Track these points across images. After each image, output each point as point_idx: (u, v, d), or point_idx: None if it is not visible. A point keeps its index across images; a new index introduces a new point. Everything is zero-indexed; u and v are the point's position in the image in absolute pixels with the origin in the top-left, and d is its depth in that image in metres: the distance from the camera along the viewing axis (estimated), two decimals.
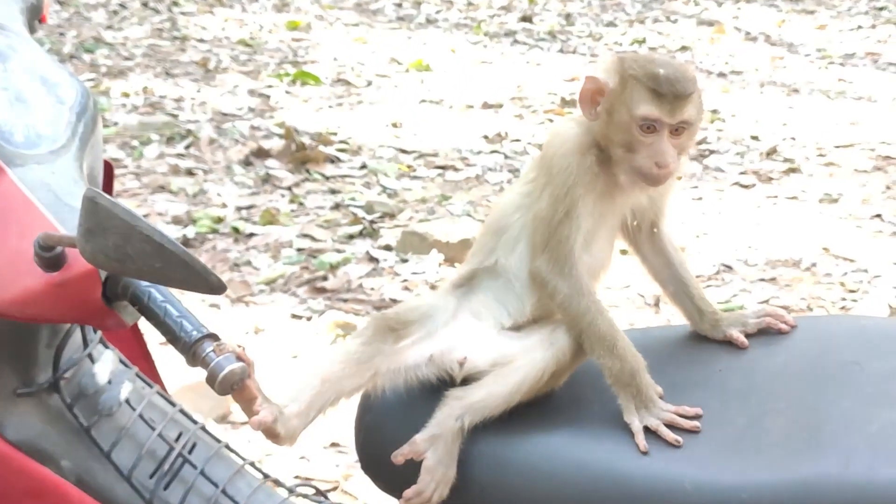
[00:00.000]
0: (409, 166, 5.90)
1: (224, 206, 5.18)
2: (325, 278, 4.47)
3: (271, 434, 1.59)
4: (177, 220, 4.97)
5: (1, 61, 1.68)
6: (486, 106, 7.09)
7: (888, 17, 10.19)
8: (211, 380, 1.46)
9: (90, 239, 1.33)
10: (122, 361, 1.83)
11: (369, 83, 7.57)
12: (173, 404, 1.86)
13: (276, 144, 5.92)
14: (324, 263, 4.57)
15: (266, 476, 1.90)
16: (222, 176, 5.57)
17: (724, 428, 1.57)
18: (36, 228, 1.47)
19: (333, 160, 5.84)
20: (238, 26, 9.01)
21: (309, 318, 4.15)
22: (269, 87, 7.27)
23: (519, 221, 1.71)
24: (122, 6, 9.25)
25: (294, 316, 4.18)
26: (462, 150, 6.18)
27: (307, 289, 4.40)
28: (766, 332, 1.76)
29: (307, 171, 5.66)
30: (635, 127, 1.63)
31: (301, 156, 5.75)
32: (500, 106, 7.10)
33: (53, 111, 1.65)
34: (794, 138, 6.47)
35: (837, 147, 6.30)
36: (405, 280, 4.47)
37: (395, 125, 6.59)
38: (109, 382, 1.76)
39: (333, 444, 3.37)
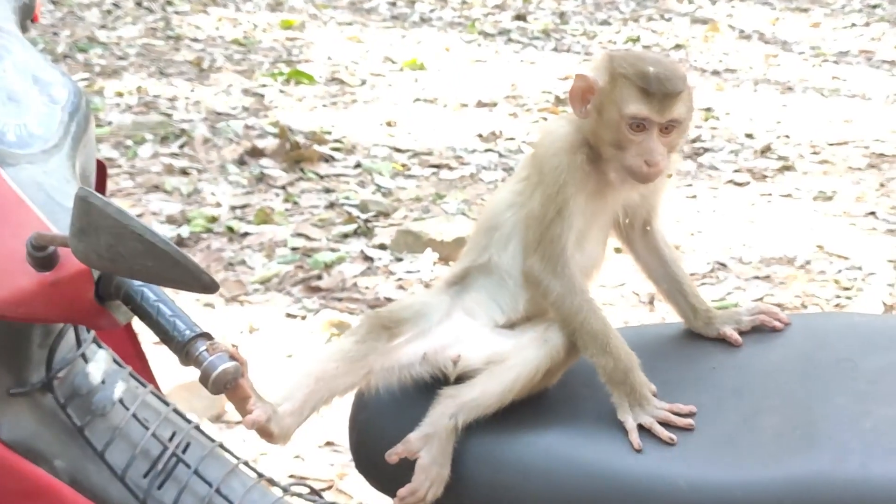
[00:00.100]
0: (403, 165, 5.90)
1: (218, 205, 5.18)
2: (319, 277, 4.47)
3: (265, 433, 1.59)
4: (171, 220, 4.97)
5: None
6: (480, 104, 7.09)
7: (882, 15, 10.21)
8: (204, 379, 1.46)
9: (82, 238, 1.33)
10: (115, 361, 1.83)
11: (363, 82, 7.56)
12: (167, 404, 1.86)
13: (270, 143, 5.92)
14: (318, 262, 4.57)
15: (260, 475, 1.90)
16: (216, 175, 5.57)
17: (718, 425, 1.57)
18: (28, 228, 1.46)
19: (328, 159, 5.84)
20: (232, 25, 9.00)
21: (303, 317, 4.15)
22: (264, 86, 7.27)
23: (511, 219, 1.71)
24: (116, 5, 9.23)
25: (289, 315, 4.18)
26: (456, 148, 6.18)
27: (302, 288, 4.40)
28: (759, 330, 1.77)
29: (301, 170, 5.66)
30: (625, 125, 1.63)
31: (295, 155, 5.74)
32: (495, 104, 7.10)
33: (46, 110, 1.65)
34: (788, 136, 6.48)
35: (831, 145, 6.31)
36: (400, 279, 4.47)
37: (389, 124, 6.59)
38: (103, 382, 1.76)
39: (328, 443, 3.37)
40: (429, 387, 1.67)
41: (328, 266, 4.55)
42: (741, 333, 1.76)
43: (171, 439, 1.80)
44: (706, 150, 6.22)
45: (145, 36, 8.45)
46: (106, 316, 1.50)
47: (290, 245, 4.76)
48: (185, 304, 4.13)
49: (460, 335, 1.70)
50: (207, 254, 4.67)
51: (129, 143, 5.94)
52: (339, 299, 4.30)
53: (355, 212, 5.11)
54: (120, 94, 6.85)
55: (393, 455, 1.63)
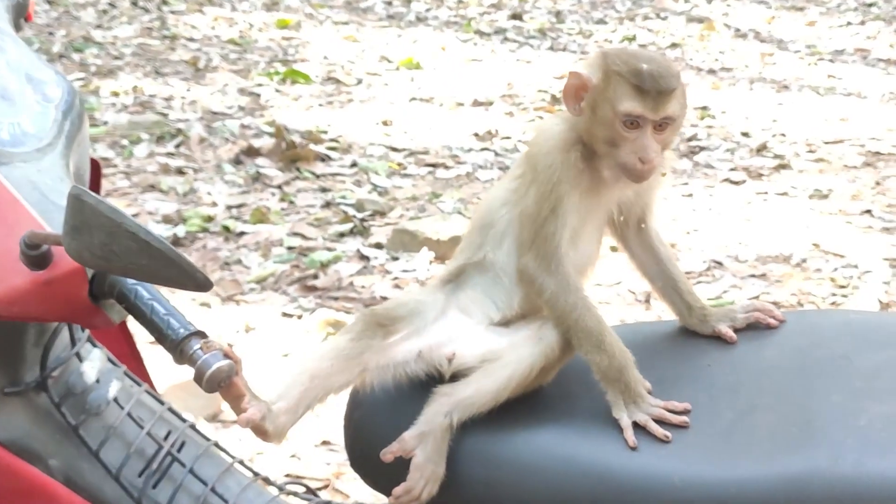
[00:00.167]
0: (399, 164, 5.89)
1: (214, 204, 5.17)
2: (315, 276, 4.47)
3: (260, 431, 1.59)
4: (167, 219, 4.96)
5: None
6: (476, 104, 7.09)
7: (877, 14, 10.22)
8: (198, 377, 1.46)
9: (76, 237, 1.33)
10: (110, 360, 1.83)
11: (359, 81, 7.56)
12: (162, 403, 1.86)
13: (266, 143, 5.91)
14: (314, 262, 4.56)
15: (256, 474, 1.89)
16: (212, 175, 5.56)
17: (712, 423, 1.57)
18: (22, 227, 1.46)
19: (324, 158, 5.83)
20: (228, 25, 9.00)
21: (300, 317, 4.15)
22: (259, 85, 7.26)
23: (505, 217, 1.71)
24: (112, 5, 9.22)
25: (285, 314, 4.18)
26: (452, 147, 6.18)
27: (298, 287, 4.40)
28: (754, 327, 1.77)
29: (297, 169, 5.65)
30: (618, 123, 1.63)
31: (291, 154, 5.74)
32: (491, 103, 7.10)
33: (39, 109, 1.64)
34: (784, 134, 6.48)
35: (827, 143, 6.31)
36: (396, 278, 4.47)
37: (385, 123, 6.58)
38: (97, 381, 1.76)
39: (325, 443, 3.37)
40: (424, 385, 1.67)
41: (324, 265, 4.55)
42: (736, 331, 1.76)
43: (165, 438, 1.80)
44: (702, 148, 6.23)
45: (141, 35, 8.44)
46: (100, 315, 1.50)
47: (286, 244, 4.75)
48: (181, 304, 4.13)
49: (455, 333, 1.70)
50: (203, 253, 4.67)
51: (125, 142, 5.93)
52: (336, 298, 4.30)
53: (351, 211, 5.11)
54: (116, 94, 6.84)
55: (388, 454, 1.63)
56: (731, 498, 1.46)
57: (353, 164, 5.81)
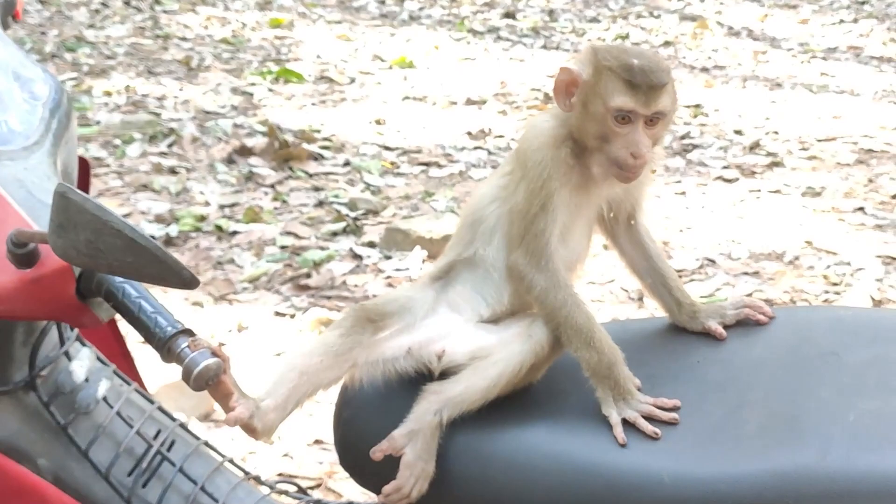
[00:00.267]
0: (392, 163, 5.89)
1: (207, 204, 5.16)
2: (308, 276, 4.46)
3: (248, 429, 1.58)
4: (160, 219, 4.95)
5: None
6: (469, 102, 7.09)
7: (870, 12, 10.23)
8: (186, 376, 1.46)
9: (61, 234, 1.33)
10: (99, 359, 1.82)
11: (352, 80, 7.55)
12: (151, 402, 1.86)
13: (259, 142, 5.90)
14: (307, 261, 4.56)
15: (246, 473, 1.89)
16: (205, 174, 5.55)
17: (702, 419, 1.57)
18: (9, 225, 1.46)
19: (317, 158, 5.83)
20: (220, 24, 8.99)
21: (292, 316, 4.14)
22: (252, 84, 7.25)
23: (495, 213, 1.71)
24: (104, 5, 9.21)
25: (277, 314, 4.17)
26: (445, 146, 6.18)
27: (291, 286, 4.39)
28: (744, 324, 1.77)
29: (290, 168, 5.64)
30: (610, 118, 1.63)
31: (284, 153, 5.73)
32: (484, 102, 7.09)
33: (27, 107, 1.64)
34: (776, 132, 6.49)
35: (820, 141, 6.32)
36: (389, 277, 4.46)
37: (378, 122, 6.58)
38: (87, 380, 1.76)
39: (317, 441, 3.37)
40: (413, 383, 1.67)
41: (317, 264, 4.55)
42: (726, 327, 1.76)
43: (155, 437, 1.79)
44: (695, 146, 6.23)
45: (133, 35, 8.43)
46: (87, 313, 1.50)
47: (279, 243, 4.75)
48: (174, 303, 4.09)
49: (445, 330, 1.69)
50: (196, 253, 4.66)
51: (118, 142, 5.92)
52: (328, 297, 4.30)
53: (344, 210, 5.10)
54: (108, 94, 6.83)
55: (377, 452, 1.63)
56: (721, 494, 1.46)
57: (346, 163, 5.81)
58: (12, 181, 1.53)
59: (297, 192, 5.36)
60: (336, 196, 5.28)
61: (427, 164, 5.90)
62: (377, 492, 1.65)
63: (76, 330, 1.78)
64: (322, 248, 4.70)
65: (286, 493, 1.97)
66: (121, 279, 1.47)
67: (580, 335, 1.62)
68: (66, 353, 1.74)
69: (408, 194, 5.41)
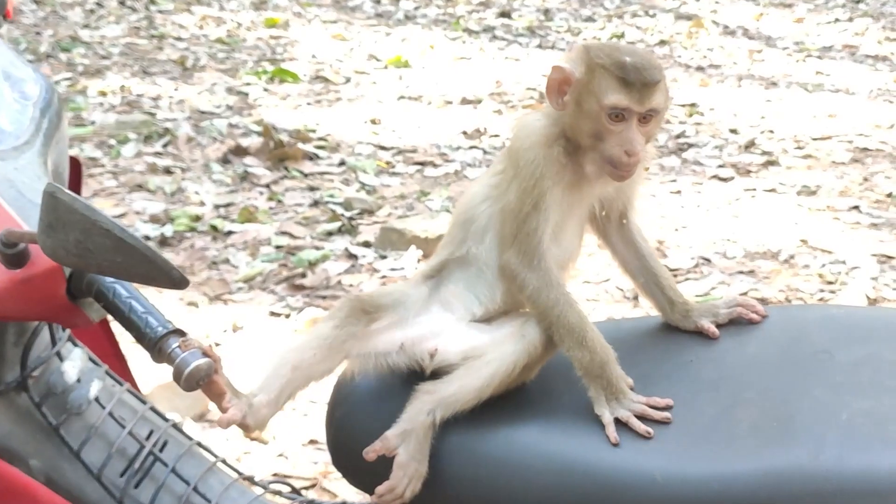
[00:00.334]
0: (387, 163, 5.88)
1: (202, 204, 5.16)
2: (303, 275, 4.46)
3: (242, 426, 1.58)
4: (154, 219, 4.95)
5: None
6: (464, 102, 7.09)
7: (865, 10, 10.24)
8: (177, 376, 1.45)
9: (51, 234, 1.32)
10: (91, 359, 1.82)
11: (348, 80, 7.55)
12: (144, 402, 1.85)
13: (254, 142, 5.90)
14: (302, 260, 4.55)
15: (239, 473, 1.88)
16: (200, 174, 5.55)
17: (694, 419, 1.57)
18: None
19: (312, 157, 5.82)
20: (216, 24, 8.98)
21: (287, 316, 4.14)
22: (248, 84, 7.25)
23: (486, 212, 1.71)
24: (99, 5, 9.20)
25: (272, 313, 4.17)
26: (441, 146, 6.17)
27: (286, 286, 4.39)
28: (737, 322, 1.77)
29: (285, 168, 5.64)
30: (604, 116, 1.62)
31: (279, 153, 5.73)
32: (479, 101, 7.09)
33: (17, 107, 1.64)
34: (772, 131, 6.49)
35: (815, 139, 6.32)
36: (384, 276, 4.46)
37: (373, 122, 6.57)
38: (79, 380, 1.75)
39: (312, 441, 3.36)
40: (405, 383, 1.67)
41: (312, 264, 4.54)
42: (718, 326, 1.76)
43: (147, 438, 1.79)
44: (690, 145, 6.23)
45: (129, 35, 8.42)
46: (78, 313, 1.49)
47: (274, 243, 4.74)
48: (169, 303, 4.09)
49: (437, 329, 1.69)
50: (191, 252, 4.66)
51: (113, 142, 5.92)
52: (324, 297, 4.29)
53: (339, 210, 5.10)
54: (103, 94, 6.82)
55: (370, 452, 1.62)
56: (713, 493, 1.46)
57: (342, 163, 5.80)
58: (2, 181, 1.52)
59: (293, 192, 5.35)
60: (331, 196, 5.27)
61: (422, 164, 5.89)
62: (370, 492, 1.65)
63: (68, 330, 1.78)
64: (317, 248, 4.70)
65: (279, 493, 1.96)
66: (111, 279, 1.46)
67: (572, 334, 1.62)
68: (58, 354, 1.74)
69: (403, 194, 5.40)
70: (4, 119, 1.61)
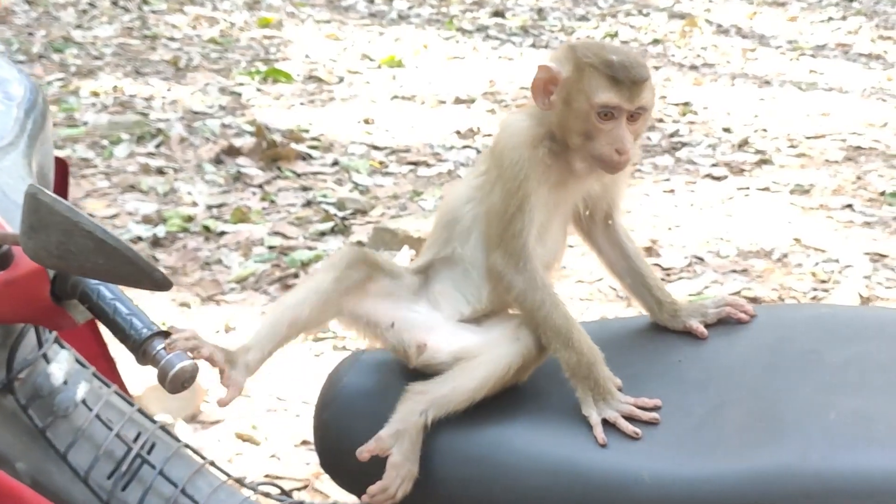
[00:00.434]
0: (380, 162, 5.88)
1: (195, 204, 5.15)
2: (296, 276, 4.45)
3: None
4: (147, 220, 4.94)
5: None
6: (458, 101, 7.08)
7: (858, 9, 10.25)
8: (161, 378, 1.45)
9: (32, 236, 1.32)
10: (78, 361, 1.81)
11: (341, 80, 7.54)
12: (131, 404, 1.84)
13: (247, 142, 5.89)
14: (295, 261, 4.55)
15: (228, 475, 1.88)
16: (193, 174, 5.54)
17: (683, 419, 1.56)
18: None
19: (305, 157, 5.81)
20: (209, 24, 8.96)
21: None
22: (241, 84, 7.24)
23: (470, 213, 1.70)
24: (92, 5, 9.18)
25: (265, 314, 4.15)
26: (434, 145, 6.17)
27: (278, 286, 4.38)
28: (725, 322, 1.76)
29: (278, 168, 5.63)
30: (594, 114, 1.62)
31: (272, 153, 5.72)
32: (473, 101, 7.09)
33: (1, 108, 1.63)
34: (765, 130, 6.49)
35: (809, 138, 6.32)
36: None
37: (366, 121, 6.57)
38: (65, 383, 1.74)
39: (304, 442, 3.36)
40: (394, 384, 1.66)
41: (305, 264, 4.53)
42: (707, 326, 1.75)
43: (135, 440, 1.78)
44: (684, 144, 6.23)
45: (121, 35, 8.41)
46: (63, 315, 1.49)
47: (267, 244, 4.74)
48: (161, 304, 4.07)
49: (430, 324, 1.68)
50: (184, 253, 4.65)
51: (105, 142, 5.90)
52: None
53: (332, 210, 5.09)
54: (96, 94, 6.81)
55: (364, 452, 1.61)
56: (701, 494, 1.46)
57: (335, 163, 5.79)
58: None
59: (285, 192, 5.35)
60: (324, 196, 5.27)
61: (415, 164, 5.89)
62: (357, 493, 1.64)
63: (55, 332, 1.77)
64: (310, 249, 4.69)
65: (269, 495, 1.96)
66: (96, 281, 1.46)
67: (559, 335, 1.61)
68: (45, 356, 1.73)
69: (396, 194, 5.40)
70: None
